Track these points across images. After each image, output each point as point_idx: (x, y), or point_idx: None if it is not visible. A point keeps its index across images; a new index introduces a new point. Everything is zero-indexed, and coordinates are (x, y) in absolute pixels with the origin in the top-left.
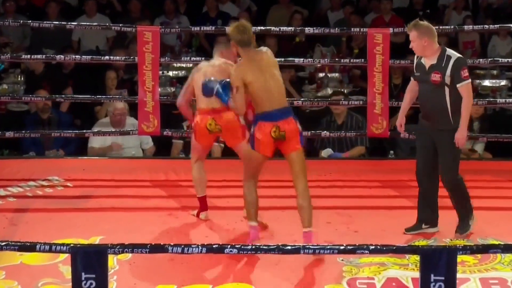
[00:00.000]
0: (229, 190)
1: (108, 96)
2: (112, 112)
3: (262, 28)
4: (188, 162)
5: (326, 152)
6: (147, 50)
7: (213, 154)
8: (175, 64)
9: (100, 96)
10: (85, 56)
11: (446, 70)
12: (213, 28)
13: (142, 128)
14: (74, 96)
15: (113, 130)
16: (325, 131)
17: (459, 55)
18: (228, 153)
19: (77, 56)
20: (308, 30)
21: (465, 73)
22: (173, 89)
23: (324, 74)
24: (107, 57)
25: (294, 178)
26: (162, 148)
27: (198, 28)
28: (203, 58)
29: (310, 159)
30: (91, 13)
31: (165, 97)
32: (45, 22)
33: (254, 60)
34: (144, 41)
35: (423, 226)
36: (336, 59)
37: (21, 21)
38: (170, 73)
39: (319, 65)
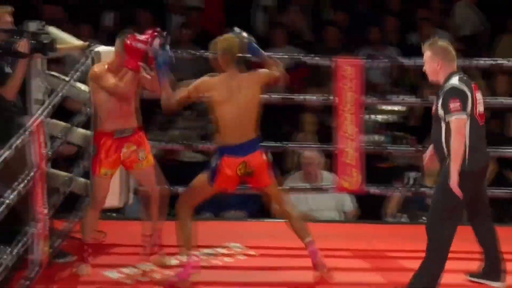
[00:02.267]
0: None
1: (300, 144)
2: (302, 162)
3: (492, 62)
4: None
5: None
6: (348, 89)
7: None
8: (382, 106)
9: (291, 144)
10: (274, 95)
11: (439, 100)
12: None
13: (341, 184)
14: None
15: (307, 186)
16: None
17: (456, 83)
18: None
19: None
20: None
21: (454, 105)
22: (381, 137)
23: None
24: (301, 96)
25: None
26: (366, 210)
27: (410, 62)
28: (419, 100)
29: None
30: (280, 43)
31: (370, 146)
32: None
33: (232, 80)
34: (344, 77)
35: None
36: None
37: (192, 51)
38: (377, 117)
39: None
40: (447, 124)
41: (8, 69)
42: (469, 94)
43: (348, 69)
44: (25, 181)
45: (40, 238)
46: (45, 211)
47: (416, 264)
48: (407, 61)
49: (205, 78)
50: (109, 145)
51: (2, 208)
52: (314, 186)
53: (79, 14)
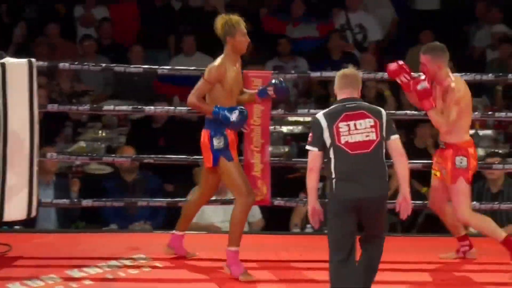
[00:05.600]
0: None
1: None
2: None
3: None
4: (307, 238)
5: None
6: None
7: None
8: (289, 118)
9: (197, 157)
10: (180, 108)
11: None
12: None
13: None
14: (166, 156)
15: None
16: (474, 202)
17: (317, 115)
18: None
19: (170, 108)
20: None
21: (309, 137)
22: (286, 149)
23: (474, 131)
24: None
25: None
26: (272, 221)
27: (318, 74)
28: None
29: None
30: (190, 51)
31: (277, 159)
32: (132, 66)
33: None
34: (252, 89)
35: None
36: (490, 113)
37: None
38: (284, 129)
39: None
40: None
41: None
42: (324, 126)
43: (256, 81)
44: None
45: None
46: None
47: (320, 275)
48: (314, 73)
49: None
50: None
51: None
52: (220, 198)
53: None
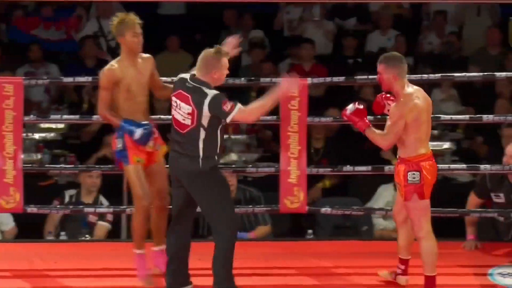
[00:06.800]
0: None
1: None
2: None
3: None
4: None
5: None
6: (8, 107)
7: (95, 235)
8: (42, 125)
9: None
10: None
11: None
12: (90, 79)
13: (0, 204)
14: None
15: None
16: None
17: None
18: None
19: None
20: None
21: None
22: (39, 156)
23: (227, 135)
24: None
25: None
26: (25, 229)
27: (71, 79)
28: (78, 117)
29: (209, 241)
30: None
31: (29, 165)
32: None
33: None
34: (3, 95)
35: None
36: None
37: None
38: (36, 136)
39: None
40: None
41: None
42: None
43: (8, 87)
44: None
45: None
46: None
47: (76, 282)
48: (67, 79)
49: None
50: None
51: None
52: None
53: None
